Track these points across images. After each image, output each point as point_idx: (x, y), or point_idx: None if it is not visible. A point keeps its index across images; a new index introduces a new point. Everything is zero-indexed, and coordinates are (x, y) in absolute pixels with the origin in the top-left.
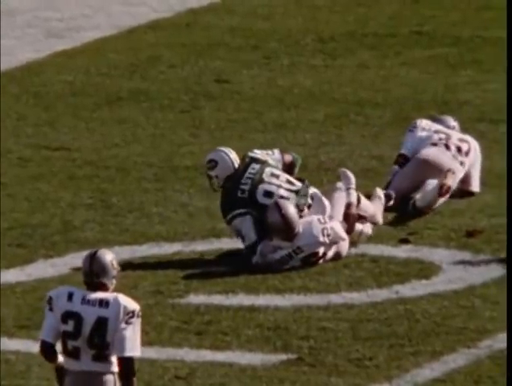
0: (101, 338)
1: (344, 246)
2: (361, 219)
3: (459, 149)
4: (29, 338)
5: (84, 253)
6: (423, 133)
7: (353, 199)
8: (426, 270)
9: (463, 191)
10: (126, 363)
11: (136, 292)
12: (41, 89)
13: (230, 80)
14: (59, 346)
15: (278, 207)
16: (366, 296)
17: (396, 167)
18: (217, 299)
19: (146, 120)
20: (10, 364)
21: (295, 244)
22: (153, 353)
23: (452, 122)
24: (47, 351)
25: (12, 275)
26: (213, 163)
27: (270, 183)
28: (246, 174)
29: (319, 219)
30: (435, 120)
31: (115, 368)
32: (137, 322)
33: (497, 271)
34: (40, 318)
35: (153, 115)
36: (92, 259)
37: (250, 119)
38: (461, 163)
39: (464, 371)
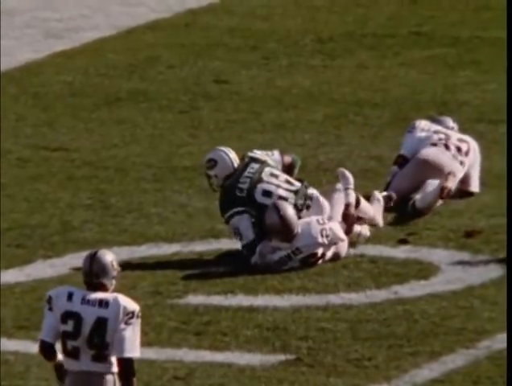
0: (100, 339)
1: (343, 247)
2: (360, 220)
3: (458, 150)
4: (28, 339)
5: (83, 254)
6: (423, 134)
7: (352, 200)
8: (424, 271)
9: (462, 192)
10: (126, 364)
11: (135, 292)
12: (40, 90)
13: (229, 81)
14: (58, 347)
15: (277, 209)
16: (365, 296)
17: (395, 168)
18: (216, 299)
19: (144, 120)
20: (9, 365)
21: (293, 245)
22: (152, 353)
23: (451, 123)
24: (47, 350)
25: (11, 275)
26: (213, 162)
27: (268, 183)
28: (245, 174)
29: (317, 220)
30: (434, 120)
31: (115, 368)
32: (136, 323)
33: (496, 271)
34: (39, 318)
35: (152, 115)
36: (93, 259)
37: (249, 119)
38: (461, 163)
39: (462, 372)
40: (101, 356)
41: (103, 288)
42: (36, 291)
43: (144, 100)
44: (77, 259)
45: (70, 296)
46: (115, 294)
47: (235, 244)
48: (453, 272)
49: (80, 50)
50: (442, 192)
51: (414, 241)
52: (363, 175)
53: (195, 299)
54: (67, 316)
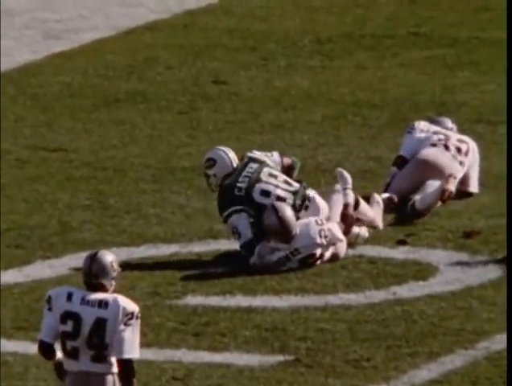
0: (99, 339)
1: (342, 247)
2: (358, 221)
3: (458, 150)
4: (27, 340)
5: (82, 254)
6: (422, 135)
7: (350, 200)
8: (423, 271)
9: (461, 192)
10: (125, 365)
11: (133, 293)
12: (39, 90)
13: (228, 82)
14: (58, 347)
15: (275, 210)
16: (364, 297)
17: (394, 169)
18: (215, 300)
19: (143, 121)
20: (8, 366)
21: (292, 246)
22: (150, 354)
23: (450, 124)
24: (46, 350)
25: (10, 276)
26: (211, 162)
27: (267, 183)
28: (244, 173)
29: (316, 221)
30: (432, 121)
31: (115, 369)
32: (136, 324)
33: (495, 272)
34: (38, 319)
35: (150, 116)
36: (93, 260)
37: (248, 120)
38: (461, 163)
39: (461, 373)
40: (101, 357)
41: (103, 288)
42: (35, 292)
43: (143, 100)
44: (76, 259)
45: (70, 296)
46: (115, 295)
47: (234, 245)
48: (452, 272)
49: (79, 51)
50: (443, 195)
51: (412, 242)
52: (362, 176)
53: (193, 300)
54: (66, 316)
